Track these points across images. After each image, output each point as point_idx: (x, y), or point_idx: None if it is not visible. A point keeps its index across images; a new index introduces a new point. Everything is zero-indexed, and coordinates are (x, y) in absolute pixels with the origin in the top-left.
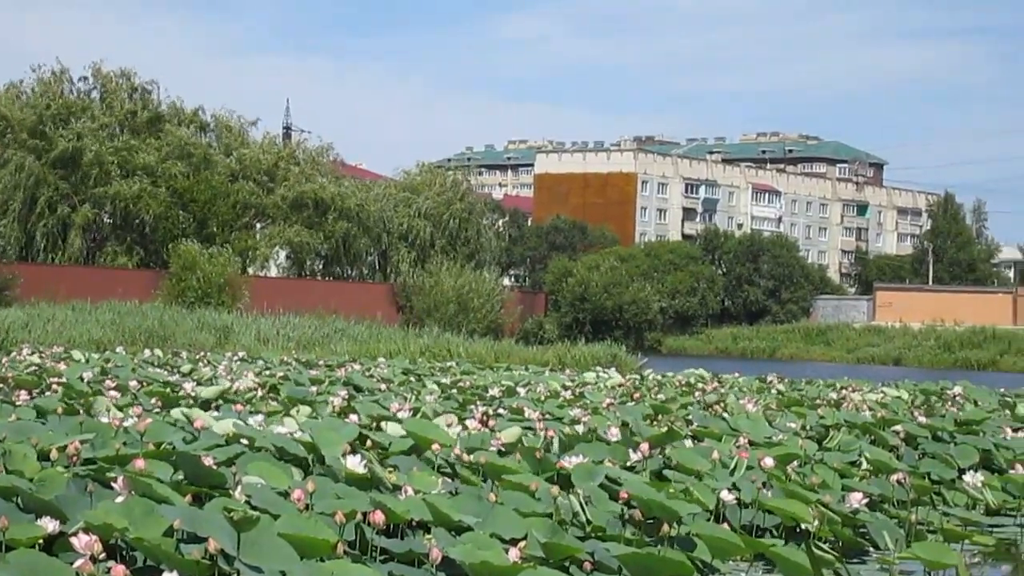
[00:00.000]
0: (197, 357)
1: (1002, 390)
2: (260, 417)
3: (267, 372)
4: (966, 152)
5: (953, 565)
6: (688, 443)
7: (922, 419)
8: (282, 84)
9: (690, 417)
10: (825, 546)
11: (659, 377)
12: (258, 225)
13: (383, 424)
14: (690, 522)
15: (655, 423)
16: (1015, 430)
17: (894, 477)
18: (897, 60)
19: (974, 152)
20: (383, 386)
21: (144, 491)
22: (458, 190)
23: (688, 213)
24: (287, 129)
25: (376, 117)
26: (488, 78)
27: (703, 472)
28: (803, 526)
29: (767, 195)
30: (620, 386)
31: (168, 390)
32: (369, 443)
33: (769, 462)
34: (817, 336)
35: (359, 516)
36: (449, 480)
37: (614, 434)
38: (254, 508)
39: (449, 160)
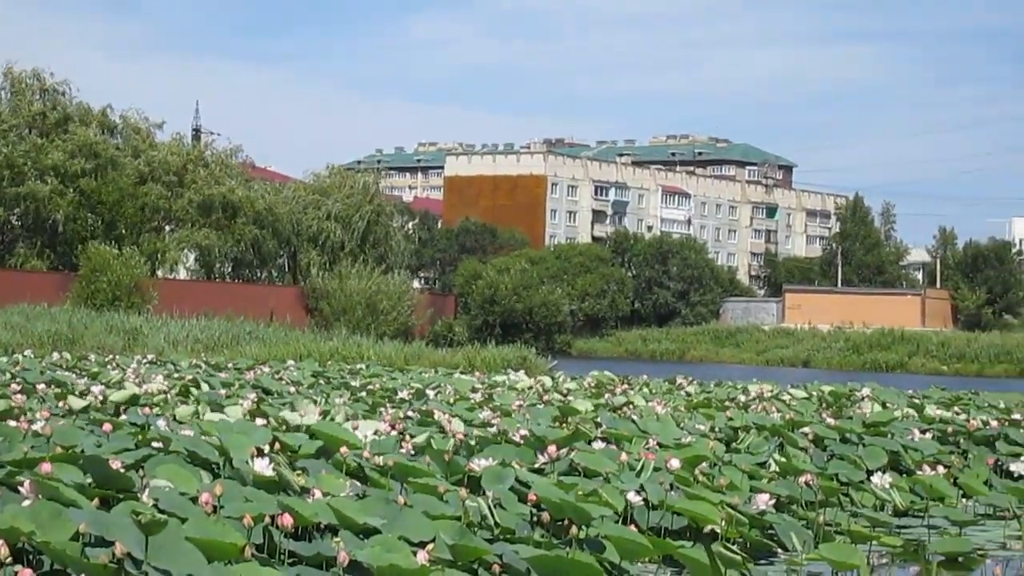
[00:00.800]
0: (106, 360)
1: (910, 392)
2: (165, 420)
3: (176, 375)
4: (875, 155)
5: (857, 566)
6: (597, 445)
7: (830, 421)
8: (191, 85)
9: (599, 419)
10: (733, 547)
11: (568, 379)
12: (167, 228)
13: (292, 427)
14: (599, 524)
15: (564, 425)
16: (923, 431)
17: (802, 479)
18: (807, 63)
19: (883, 155)
20: (292, 389)
21: (51, 495)
22: (368, 192)
23: (598, 215)
24: (196, 131)
25: (285, 119)
26: (398, 80)
27: (610, 474)
28: (711, 527)
29: (677, 197)
30: (529, 389)
31: (75, 393)
32: (278, 446)
33: (676, 464)
34: (726, 338)
35: (267, 519)
36: (358, 483)
37: (521, 436)
38: (162, 511)
39: (359, 162)
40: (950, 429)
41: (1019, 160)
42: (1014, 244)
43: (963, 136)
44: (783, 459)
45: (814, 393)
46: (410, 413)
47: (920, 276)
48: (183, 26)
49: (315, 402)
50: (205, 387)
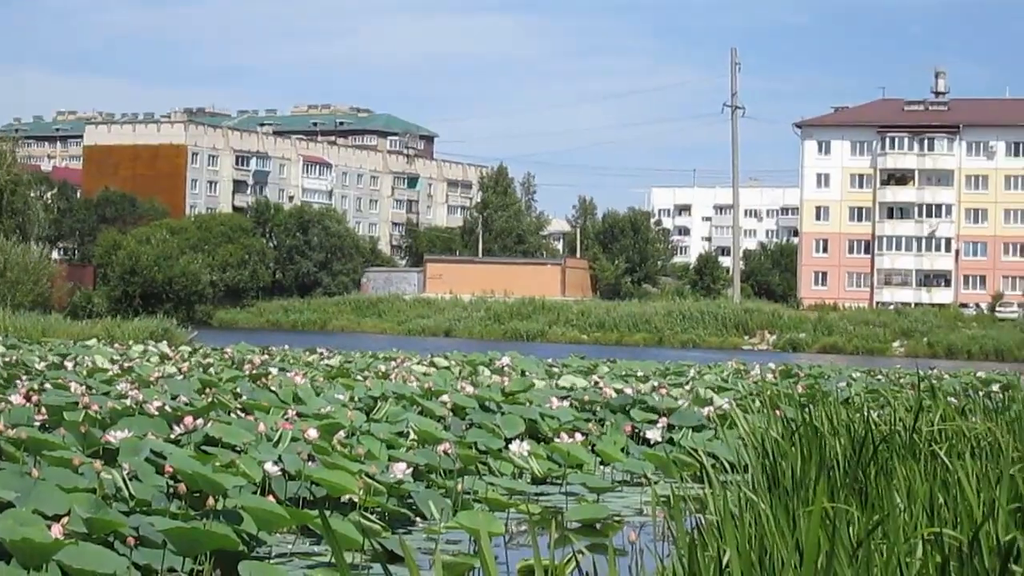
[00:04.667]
0: None
1: (550, 360)
2: None
3: None
4: (517, 125)
5: (500, 533)
6: (236, 416)
7: (469, 389)
8: None
9: (239, 390)
10: (371, 516)
11: (210, 350)
12: None
13: None
14: (235, 495)
15: (204, 396)
16: (561, 399)
17: (440, 447)
18: (450, 34)
19: (524, 125)
20: None
21: None
22: (3, 162)
23: (239, 185)
24: None
25: None
26: (36, 48)
27: (248, 445)
28: (349, 497)
29: (318, 167)
30: (169, 359)
31: None
32: None
33: (313, 434)
34: (368, 308)
35: None
36: None
37: (156, 407)
38: None
39: None
40: (587, 397)
41: (660, 131)
42: (653, 214)
43: (604, 107)
44: (421, 428)
45: (453, 362)
46: (46, 385)
47: (561, 246)
48: None
49: None
50: None
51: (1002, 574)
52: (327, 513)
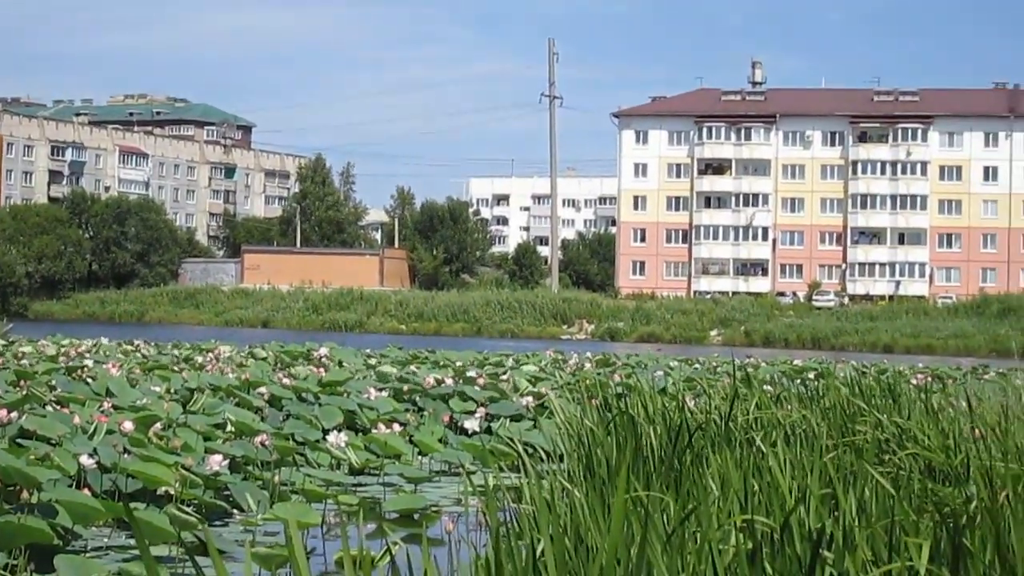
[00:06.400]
0: None
1: (368, 351)
2: None
3: None
4: (335, 115)
5: (315, 524)
6: (52, 408)
7: (286, 381)
8: None
9: (54, 382)
10: (187, 509)
11: (26, 342)
12: None
13: None
14: (50, 488)
15: (19, 388)
16: (379, 390)
17: (258, 439)
18: (268, 22)
19: (343, 115)
20: None
21: None
22: None
23: (55, 176)
24: None
25: None
26: None
27: (63, 437)
28: (165, 489)
29: (135, 158)
30: None
31: None
32: None
33: (129, 426)
34: (186, 299)
35: None
36: None
37: None
38: None
39: None
40: (406, 387)
41: (479, 121)
42: (472, 204)
43: (424, 97)
44: (238, 419)
45: (271, 353)
46: None
47: (379, 236)
48: None
49: None
50: None
51: (813, 560)
52: (143, 506)
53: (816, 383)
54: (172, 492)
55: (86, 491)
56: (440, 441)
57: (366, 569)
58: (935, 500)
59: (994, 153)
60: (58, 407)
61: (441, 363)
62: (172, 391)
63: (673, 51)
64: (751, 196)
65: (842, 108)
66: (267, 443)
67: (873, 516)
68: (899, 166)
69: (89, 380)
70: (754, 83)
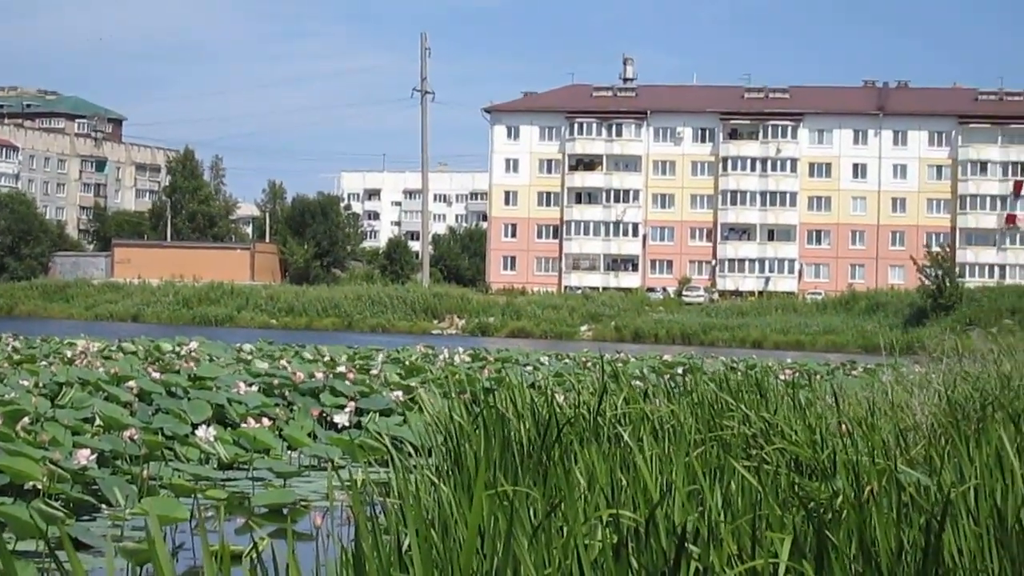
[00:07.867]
0: None
1: (238, 345)
2: None
3: None
4: (206, 108)
5: (184, 519)
6: None
7: (156, 375)
8: None
9: None
10: (55, 503)
11: None
12: None
13: None
14: None
15: None
16: (249, 384)
17: (126, 433)
18: (137, 14)
19: (214, 108)
20: None
21: None
22: None
23: None
24: None
25: None
26: None
27: None
28: (32, 484)
29: (4, 151)
30: None
31: None
32: None
33: None
34: (56, 293)
35: None
36: None
37: None
38: None
39: None
40: (276, 381)
41: (350, 115)
42: (343, 199)
43: (296, 91)
44: (107, 414)
45: (141, 347)
46: None
47: (250, 230)
48: None
49: None
50: None
51: (678, 555)
52: (11, 501)
53: (684, 378)
54: (40, 487)
55: None
56: (309, 436)
57: (226, 565)
58: (801, 495)
59: (863, 150)
60: None
61: (311, 358)
62: (40, 385)
63: (545, 47)
64: (622, 192)
65: (713, 105)
66: (136, 437)
67: (739, 511)
68: (769, 163)
69: None
70: (625, 79)
